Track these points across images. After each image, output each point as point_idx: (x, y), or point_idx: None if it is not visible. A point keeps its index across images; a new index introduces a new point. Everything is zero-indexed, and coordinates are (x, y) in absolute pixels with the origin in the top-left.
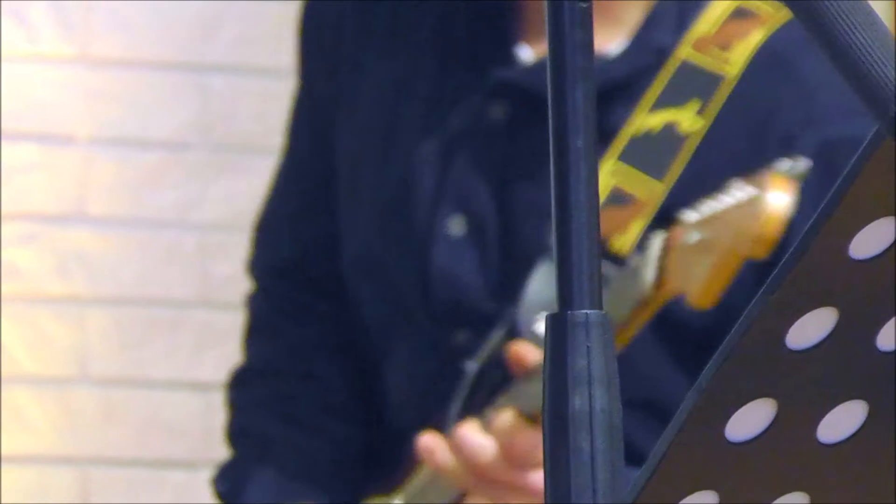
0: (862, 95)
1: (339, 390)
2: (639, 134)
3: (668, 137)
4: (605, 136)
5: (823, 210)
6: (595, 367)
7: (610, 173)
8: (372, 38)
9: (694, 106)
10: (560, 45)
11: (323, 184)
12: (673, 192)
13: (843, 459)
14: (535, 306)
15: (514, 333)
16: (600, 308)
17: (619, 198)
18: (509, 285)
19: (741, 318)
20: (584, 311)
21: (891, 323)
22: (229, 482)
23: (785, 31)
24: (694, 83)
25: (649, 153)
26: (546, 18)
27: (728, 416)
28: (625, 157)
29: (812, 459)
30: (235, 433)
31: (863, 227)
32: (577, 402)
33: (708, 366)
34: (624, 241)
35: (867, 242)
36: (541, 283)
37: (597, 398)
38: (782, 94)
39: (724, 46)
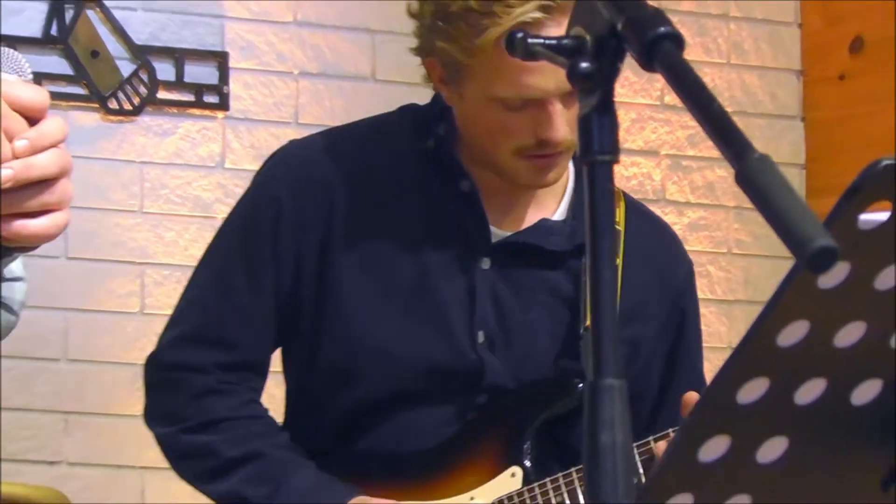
0: (785, 238)
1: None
2: None
3: None
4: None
5: (760, 316)
6: (616, 416)
7: None
8: (368, 208)
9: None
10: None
11: (260, 300)
12: None
13: (775, 474)
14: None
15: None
16: (620, 378)
17: None
18: (512, 369)
19: (710, 384)
20: (610, 379)
21: (807, 384)
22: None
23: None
24: None
25: None
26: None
27: (700, 445)
28: None
29: (753, 474)
30: (237, 461)
31: (785, 327)
32: (605, 437)
33: (688, 414)
34: None
35: (789, 336)
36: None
37: (617, 436)
38: (659, 242)
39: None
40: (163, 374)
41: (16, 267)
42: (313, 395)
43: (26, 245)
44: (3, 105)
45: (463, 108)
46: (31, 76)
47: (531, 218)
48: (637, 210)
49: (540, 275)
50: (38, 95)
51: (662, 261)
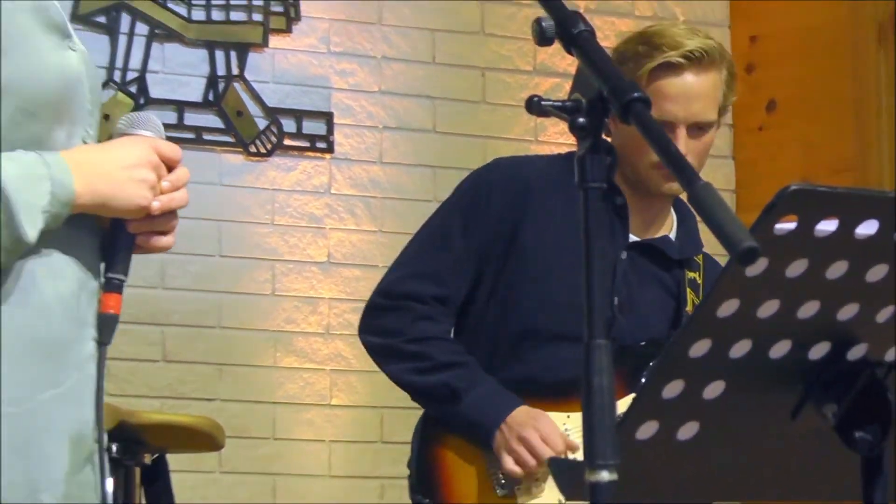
0: (723, 241)
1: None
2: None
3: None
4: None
5: (705, 296)
6: (604, 365)
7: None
8: (552, 202)
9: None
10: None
11: (475, 264)
12: None
13: (716, 408)
14: None
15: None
16: (606, 339)
17: None
18: (631, 328)
19: (668, 343)
20: (599, 340)
21: (738, 344)
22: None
23: None
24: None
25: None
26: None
27: (663, 386)
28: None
29: (701, 407)
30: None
31: (722, 303)
32: (596, 380)
33: (653, 364)
34: None
35: (725, 309)
36: None
37: (605, 379)
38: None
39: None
40: (391, 301)
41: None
42: (487, 331)
43: (149, 252)
44: (158, 158)
45: (618, 133)
46: (164, 134)
47: (658, 232)
48: (708, 256)
49: (657, 272)
50: (174, 150)
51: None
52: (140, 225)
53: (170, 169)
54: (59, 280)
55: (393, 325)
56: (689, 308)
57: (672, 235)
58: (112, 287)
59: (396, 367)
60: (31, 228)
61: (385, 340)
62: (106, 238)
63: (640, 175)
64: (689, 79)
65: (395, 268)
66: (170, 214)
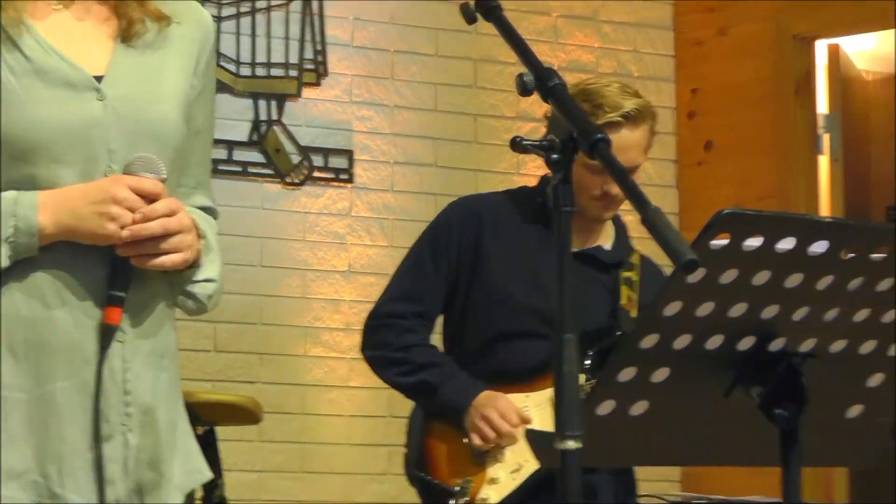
0: (669, 254)
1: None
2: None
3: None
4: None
5: (653, 299)
6: (572, 355)
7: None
8: (507, 234)
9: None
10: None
11: (444, 285)
12: None
13: (662, 390)
14: None
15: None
16: (574, 333)
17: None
18: (579, 321)
19: (623, 337)
20: (568, 334)
21: (680, 338)
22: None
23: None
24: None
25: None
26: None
27: (618, 372)
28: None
29: (650, 389)
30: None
31: (668, 304)
32: (566, 368)
33: (611, 354)
34: None
35: (670, 310)
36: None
37: (572, 366)
38: (652, 274)
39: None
40: (380, 320)
41: (211, 272)
42: (459, 338)
43: (162, 269)
44: (130, 192)
45: None
46: (164, 174)
47: (593, 243)
48: (644, 257)
49: (595, 275)
50: (153, 185)
51: (656, 278)
52: (126, 249)
53: (151, 200)
54: (68, 295)
55: (382, 339)
56: (623, 301)
57: (608, 245)
58: (112, 301)
59: (387, 372)
60: None
61: (377, 352)
62: (114, 260)
63: (580, 205)
64: (626, 133)
65: (383, 293)
66: (157, 239)
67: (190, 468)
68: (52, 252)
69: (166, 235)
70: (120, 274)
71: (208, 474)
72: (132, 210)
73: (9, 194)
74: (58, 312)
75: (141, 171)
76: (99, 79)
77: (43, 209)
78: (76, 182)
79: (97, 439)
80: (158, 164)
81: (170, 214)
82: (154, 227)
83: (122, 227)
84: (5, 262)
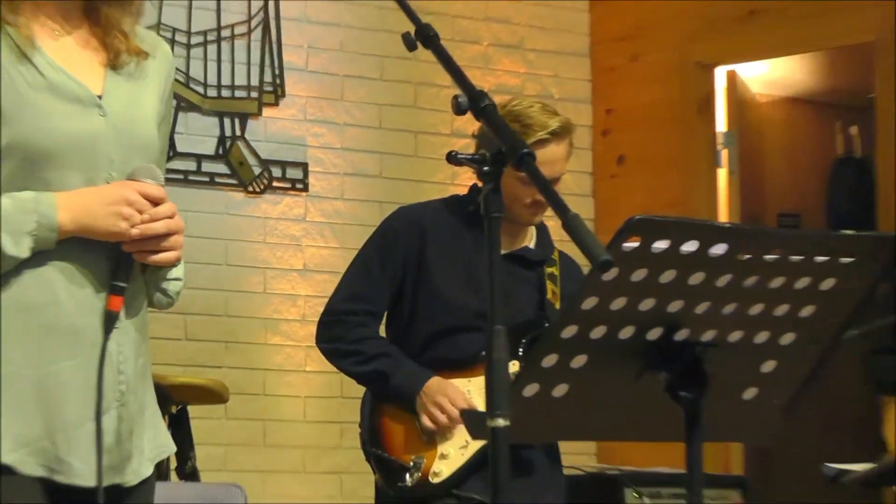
0: (587, 255)
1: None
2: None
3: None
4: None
5: (573, 295)
6: (501, 345)
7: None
8: (444, 240)
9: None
10: (492, 237)
11: (390, 286)
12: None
13: (581, 373)
14: None
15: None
16: (503, 325)
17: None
18: (510, 316)
19: (546, 328)
20: (498, 326)
21: (596, 329)
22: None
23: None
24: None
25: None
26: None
27: (542, 359)
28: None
29: (570, 373)
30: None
31: (585, 300)
32: (496, 355)
33: (536, 342)
34: None
35: (588, 304)
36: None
37: (503, 354)
38: (569, 268)
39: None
40: (333, 317)
41: (178, 272)
42: (407, 332)
43: (161, 266)
44: (139, 196)
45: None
46: (163, 181)
47: (520, 245)
48: (562, 253)
49: (523, 272)
50: (158, 191)
51: (572, 271)
52: (131, 246)
53: (156, 205)
54: (74, 285)
55: (336, 333)
56: (549, 295)
57: (532, 245)
58: (115, 290)
59: (342, 362)
60: (14, 246)
61: (331, 345)
62: (118, 254)
63: (513, 212)
64: (552, 147)
65: (335, 292)
66: (158, 238)
67: (158, 443)
68: (62, 246)
69: (167, 234)
70: (123, 267)
71: (173, 448)
72: (140, 211)
73: (28, 194)
74: (65, 299)
75: (145, 177)
76: (98, 98)
77: (61, 208)
78: (81, 186)
79: (98, 413)
80: (158, 173)
81: (171, 216)
82: (159, 226)
83: (132, 226)
84: (27, 253)
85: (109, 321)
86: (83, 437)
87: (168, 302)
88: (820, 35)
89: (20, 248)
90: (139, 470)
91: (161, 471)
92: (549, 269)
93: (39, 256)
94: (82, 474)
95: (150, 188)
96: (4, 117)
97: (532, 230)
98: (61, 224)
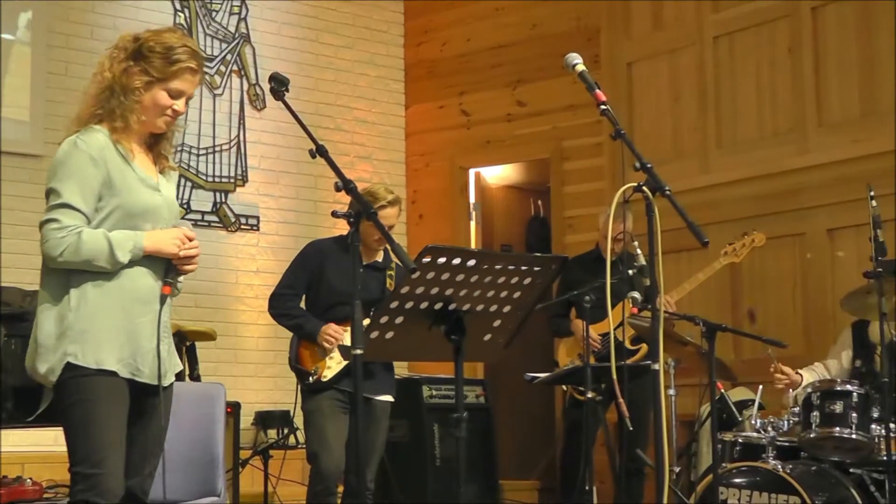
0: (401, 261)
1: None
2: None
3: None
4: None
5: (397, 286)
6: (359, 313)
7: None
8: (334, 257)
9: None
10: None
11: (306, 281)
12: None
13: (400, 331)
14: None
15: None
16: (360, 301)
17: None
18: (367, 297)
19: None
20: (358, 301)
21: (421, 305)
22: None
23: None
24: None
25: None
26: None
27: (386, 332)
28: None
29: (394, 334)
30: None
31: (404, 287)
32: (356, 316)
33: (382, 323)
34: None
35: (407, 290)
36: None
37: (359, 315)
38: (400, 272)
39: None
40: (276, 296)
41: (181, 277)
42: (314, 305)
43: (186, 273)
44: (184, 235)
45: (363, 228)
46: (192, 229)
47: (373, 259)
48: (397, 264)
49: (376, 274)
50: (192, 233)
51: (400, 273)
52: (177, 261)
53: (191, 240)
54: (145, 278)
55: (279, 304)
56: (387, 285)
57: (380, 259)
58: (166, 283)
59: (280, 320)
60: (122, 258)
61: (275, 311)
62: (168, 264)
63: (365, 242)
64: (389, 209)
65: (278, 283)
66: (190, 258)
67: (174, 363)
68: (143, 259)
69: (195, 256)
70: (171, 270)
71: (180, 366)
72: (183, 243)
73: (130, 233)
74: (142, 285)
75: (184, 226)
76: (158, 186)
77: (146, 239)
78: (151, 230)
79: (158, 345)
80: (189, 224)
81: (197, 247)
82: (193, 251)
83: (180, 250)
84: (126, 261)
85: (163, 299)
86: (149, 357)
87: (177, 294)
88: (523, 153)
89: (124, 259)
90: (170, 376)
91: (179, 377)
92: (389, 272)
93: (132, 263)
94: (149, 376)
95: (188, 232)
96: (116, 189)
97: (382, 251)
98: (145, 247)
